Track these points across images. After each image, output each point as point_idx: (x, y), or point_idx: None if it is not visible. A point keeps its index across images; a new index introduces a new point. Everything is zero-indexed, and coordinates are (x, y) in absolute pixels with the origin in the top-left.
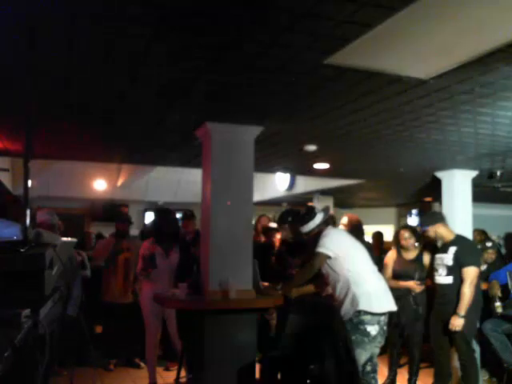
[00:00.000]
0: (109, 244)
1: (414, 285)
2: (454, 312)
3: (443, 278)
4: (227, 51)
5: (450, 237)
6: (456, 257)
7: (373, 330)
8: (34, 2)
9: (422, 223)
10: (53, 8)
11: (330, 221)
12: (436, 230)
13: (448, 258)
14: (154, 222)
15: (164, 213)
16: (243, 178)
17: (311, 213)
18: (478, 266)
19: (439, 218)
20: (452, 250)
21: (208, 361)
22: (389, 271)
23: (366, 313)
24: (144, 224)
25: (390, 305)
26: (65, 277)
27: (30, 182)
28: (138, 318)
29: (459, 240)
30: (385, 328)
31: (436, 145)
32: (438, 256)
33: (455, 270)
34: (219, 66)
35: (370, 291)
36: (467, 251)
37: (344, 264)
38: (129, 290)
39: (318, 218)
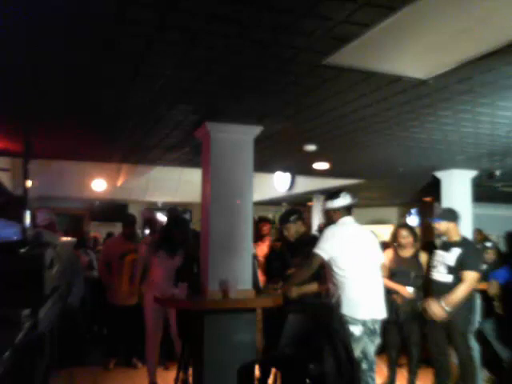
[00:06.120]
0: (118, 243)
1: (405, 291)
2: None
3: (443, 276)
4: (227, 51)
5: (456, 237)
6: (459, 259)
7: (356, 330)
8: (34, 2)
9: (439, 216)
10: (53, 8)
11: (348, 212)
12: (449, 227)
13: (450, 257)
14: (167, 225)
15: (176, 219)
16: (243, 177)
17: (336, 193)
18: (480, 271)
19: (456, 217)
20: (456, 251)
21: (208, 361)
22: (386, 270)
23: (348, 315)
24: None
25: (376, 313)
26: (65, 276)
27: (30, 182)
28: (139, 319)
29: (465, 243)
30: (373, 329)
31: (435, 145)
32: (439, 252)
33: (456, 271)
34: (219, 66)
35: (355, 298)
36: (472, 255)
37: (336, 266)
38: (134, 291)
39: (338, 202)
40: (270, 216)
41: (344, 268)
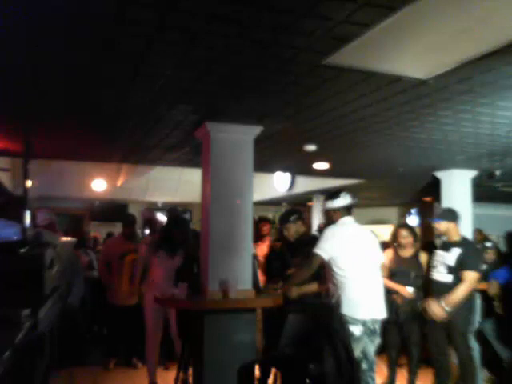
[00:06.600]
0: (118, 243)
1: (405, 291)
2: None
3: (442, 276)
4: (227, 51)
5: (456, 238)
6: (459, 259)
7: (356, 330)
8: (34, 2)
9: (439, 216)
10: (53, 8)
11: (348, 212)
12: (449, 227)
13: (450, 257)
14: (167, 225)
15: (176, 219)
16: (243, 178)
17: (336, 193)
18: (480, 271)
19: (456, 217)
20: (456, 251)
21: (208, 361)
22: (386, 270)
23: (348, 315)
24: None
25: (376, 313)
26: (65, 276)
27: (30, 182)
28: (139, 319)
29: (465, 243)
30: (373, 329)
31: (435, 145)
32: (439, 252)
33: (456, 271)
34: (219, 66)
35: (355, 298)
36: (472, 255)
37: (336, 266)
38: (135, 291)
39: (338, 202)
40: (270, 216)
41: (344, 268)
